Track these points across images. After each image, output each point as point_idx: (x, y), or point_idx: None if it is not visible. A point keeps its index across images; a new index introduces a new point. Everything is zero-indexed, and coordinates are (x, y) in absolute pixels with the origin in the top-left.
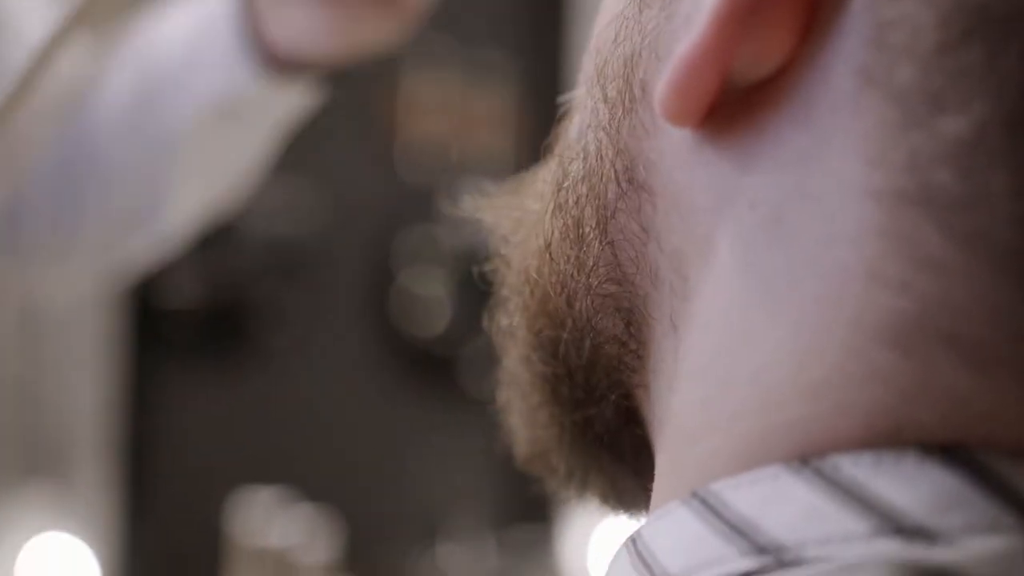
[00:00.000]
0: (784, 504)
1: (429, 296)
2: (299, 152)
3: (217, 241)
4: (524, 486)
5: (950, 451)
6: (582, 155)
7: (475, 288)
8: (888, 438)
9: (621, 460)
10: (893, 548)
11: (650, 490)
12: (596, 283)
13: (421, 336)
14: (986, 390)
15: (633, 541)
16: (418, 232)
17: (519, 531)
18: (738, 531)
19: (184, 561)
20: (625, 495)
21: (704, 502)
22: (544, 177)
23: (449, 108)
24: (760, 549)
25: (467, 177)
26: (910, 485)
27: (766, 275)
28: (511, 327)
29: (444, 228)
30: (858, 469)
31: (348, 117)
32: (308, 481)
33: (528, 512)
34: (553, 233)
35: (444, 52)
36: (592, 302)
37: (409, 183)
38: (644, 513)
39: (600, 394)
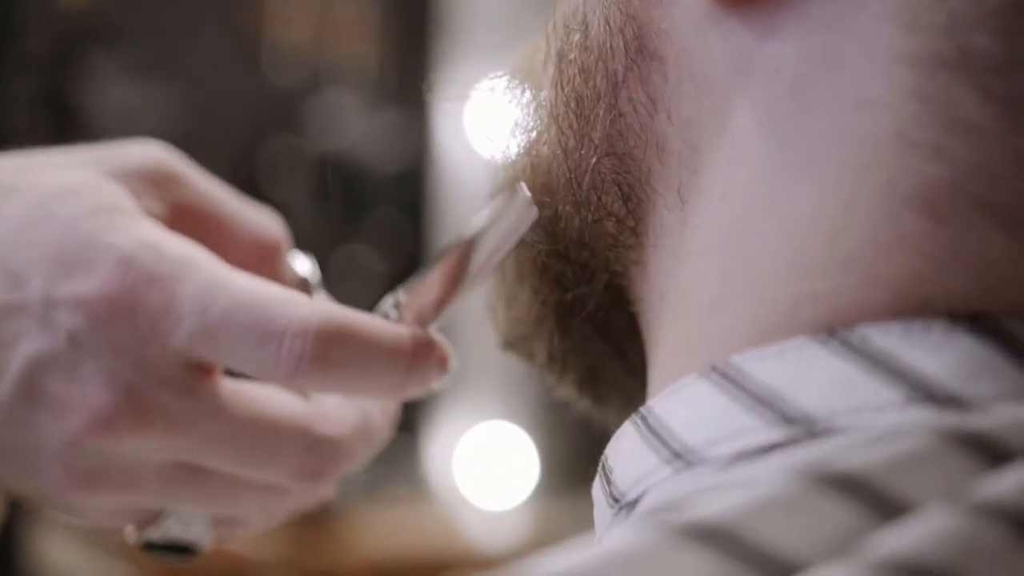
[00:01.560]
0: (812, 375)
1: (292, 205)
2: (160, 55)
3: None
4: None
5: (979, 319)
6: (584, 27)
7: (338, 198)
8: (917, 308)
9: (608, 340)
10: (926, 416)
11: (632, 374)
12: (598, 157)
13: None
14: (1018, 255)
15: (643, 417)
16: (283, 140)
17: (386, 441)
18: (763, 402)
19: None
20: (603, 382)
21: (725, 375)
22: (539, 52)
23: (315, 13)
24: (788, 420)
25: (332, 84)
26: (940, 354)
27: (792, 143)
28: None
29: (309, 135)
30: (887, 339)
31: (212, 20)
32: None
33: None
34: (556, 107)
35: None
36: (593, 177)
37: (274, 89)
38: (616, 405)
39: (592, 272)
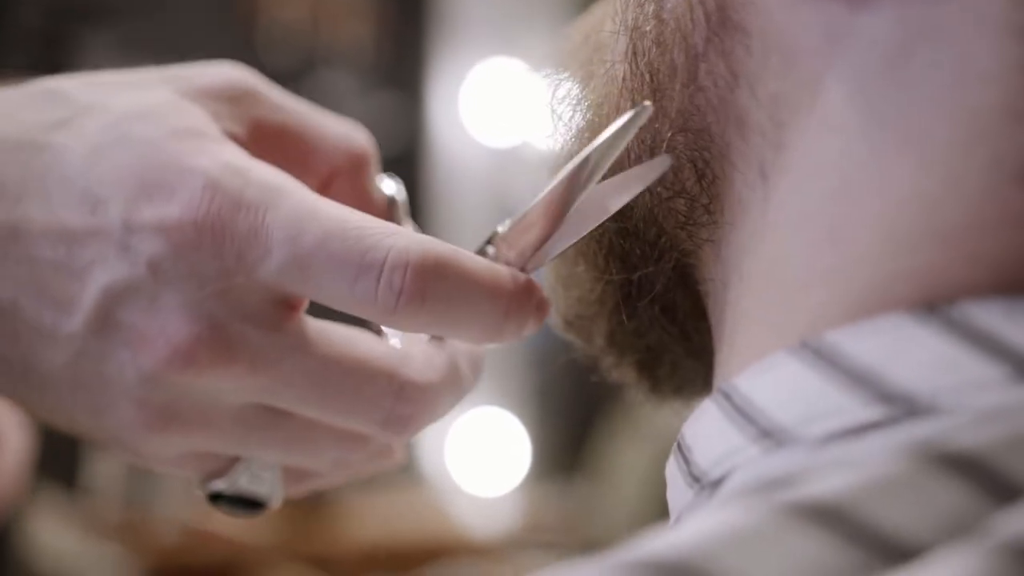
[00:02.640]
0: (911, 353)
1: None
2: (154, 34)
3: None
4: None
5: None
6: None
7: None
8: (1019, 285)
9: (674, 321)
10: None
11: (695, 356)
12: (673, 132)
13: None
14: None
15: (726, 395)
16: None
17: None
18: (859, 380)
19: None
20: (663, 365)
21: (817, 352)
22: (608, 23)
23: None
24: (886, 398)
25: (327, 66)
26: None
27: (890, 117)
28: None
29: None
30: (989, 316)
31: (207, 5)
32: None
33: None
34: (629, 80)
35: None
36: (667, 152)
37: (269, 69)
38: (671, 388)
39: (660, 251)
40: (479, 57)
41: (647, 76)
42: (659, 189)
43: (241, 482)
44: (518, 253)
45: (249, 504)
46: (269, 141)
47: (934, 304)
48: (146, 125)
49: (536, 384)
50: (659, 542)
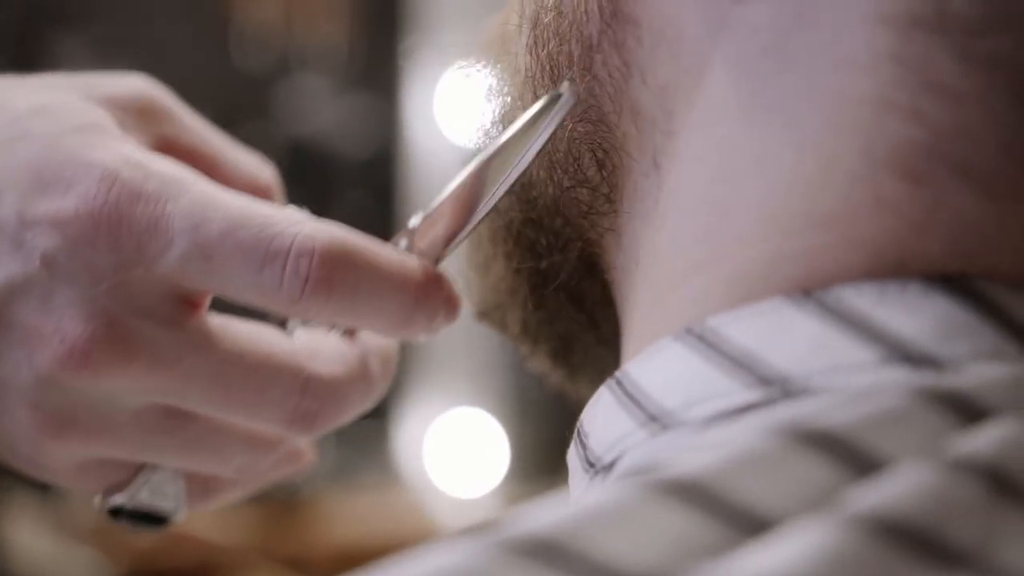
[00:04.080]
0: (787, 336)
1: None
2: (126, 35)
3: None
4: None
5: (954, 281)
6: None
7: (308, 182)
8: (893, 269)
9: (581, 309)
10: (902, 376)
11: (605, 344)
12: (572, 123)
13: None
14: (994, 219)
15: (618, 382)
16: (251, 125)
17: (356, 427)
18: (740, 364)
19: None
20: (576, 352)
21: (701, 337)
22: (513, 16)
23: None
24: (763, 381)
25: (301, 67)
26: (915, 314)
27: (769, 104)
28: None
29: (278, 119)
30: (862, 300)
31: (180, 1)
32: None
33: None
34: (531, 71)
35: None
36: (568, 143)
37: (243, 71)
38: (589, 376)
39: (565, 240)
40: (453, 58)
41: (547, 67)
42: (562, 178)
43: (142, 496)
44: (429, 245)
45: (151, 519)
46: (176, 159)
47: (810, 288)
48: (45, 121)
49: (515, 385)
50: (529, 520)
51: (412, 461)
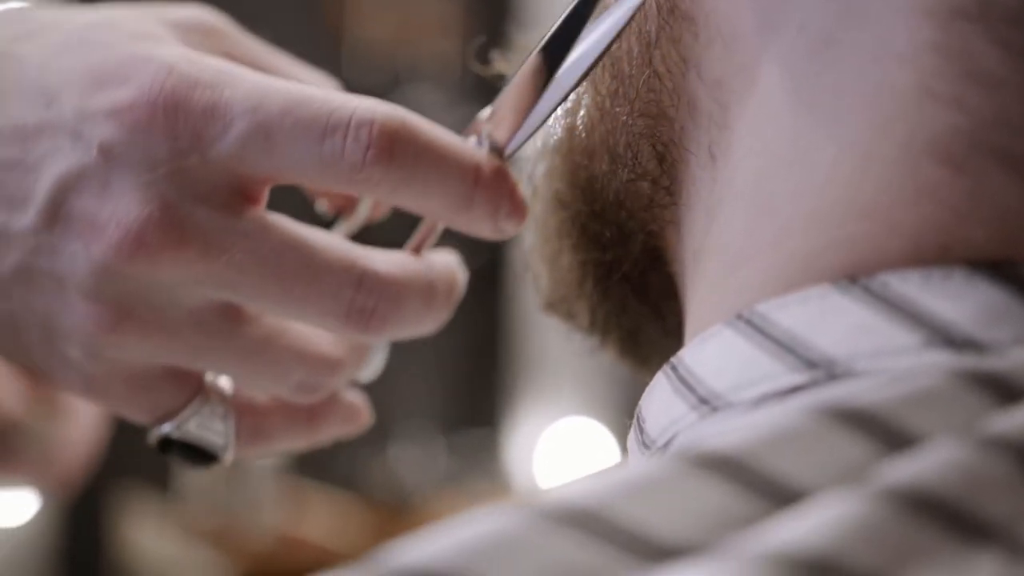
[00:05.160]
0: (833, 321)
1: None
2: None
3: None
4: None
5: (997, 266)
6: None
7: None
8: (936, 256)
9: (646, 301)
10: (944, 359)
11: (671, 336)
12: (634, 116)
13: (381, 243)
14: None
15: (673, 367)
16: None
17: (468, 436)
18: (786, 348)
19: (133, 459)
20: (643, 344)
21: (750, 323)
22: None
23: (397, 11)
24: (809, 364)
25: (414, 82)
26: (958, 300)
27: (815, 97)
28: (545, 171)
29: None
30: (907, 286)
31: (293, 17)
32: None
33: (476, 417)
34: (593, 68)
35: None
36: (628, 136)
37: (355, 86)
38: (658, 367)
39: (629, 233)
40: None
41: (608, 64)
42: (622, 172)
43: (190, 426)
44: (498, 137)
45: (200, 456)
46: None
47: (856, 275)
48: (104, 30)
49: (625, 394)
50: (569, 490)
51: (523, 469)
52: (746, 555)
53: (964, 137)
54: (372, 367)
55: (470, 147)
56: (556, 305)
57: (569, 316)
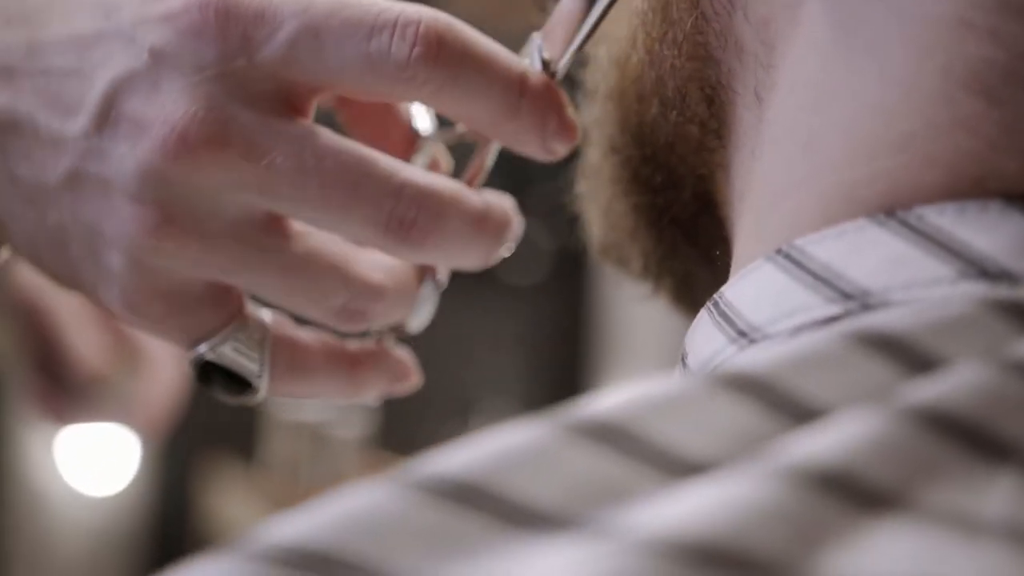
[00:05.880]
0: (869, 253)
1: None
2: None
3: None
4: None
5: None
6: None
7: (510, 177)
8: (973, 188)
9: (695, 245)
10: (977, 289)
11: (723, 281)
12: (683, 60)
13: None
14: None
15: (715, 303)
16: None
17: (550, 412)
18: (822, 280)
19: (219, 430)
20: (696, 289)
21: (788, 256)
22: None
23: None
24: (845, 295)
25: None
26: (994, 232)
27: (856, 30)
28: (598, 117)
29: None
30: (943, 218)
31: None
32: None
33: (559, 394)
34: (645, 11)
35: None
36: (677, 79)
37: None
38: None
39: (680, 177)
40: None
41: (658, 6)
42: (672, 115)
43: (226, 350)
44: (548, 55)
45: (235, 385)
46: None
47: (893, 208)
48: None
49: None
50: (597, 405)
51: None
52: (765, 469)
53: (1000, 69)
54: (421, 314)
55: (519, 62)
56: (609, 250)
57: (622, 262)
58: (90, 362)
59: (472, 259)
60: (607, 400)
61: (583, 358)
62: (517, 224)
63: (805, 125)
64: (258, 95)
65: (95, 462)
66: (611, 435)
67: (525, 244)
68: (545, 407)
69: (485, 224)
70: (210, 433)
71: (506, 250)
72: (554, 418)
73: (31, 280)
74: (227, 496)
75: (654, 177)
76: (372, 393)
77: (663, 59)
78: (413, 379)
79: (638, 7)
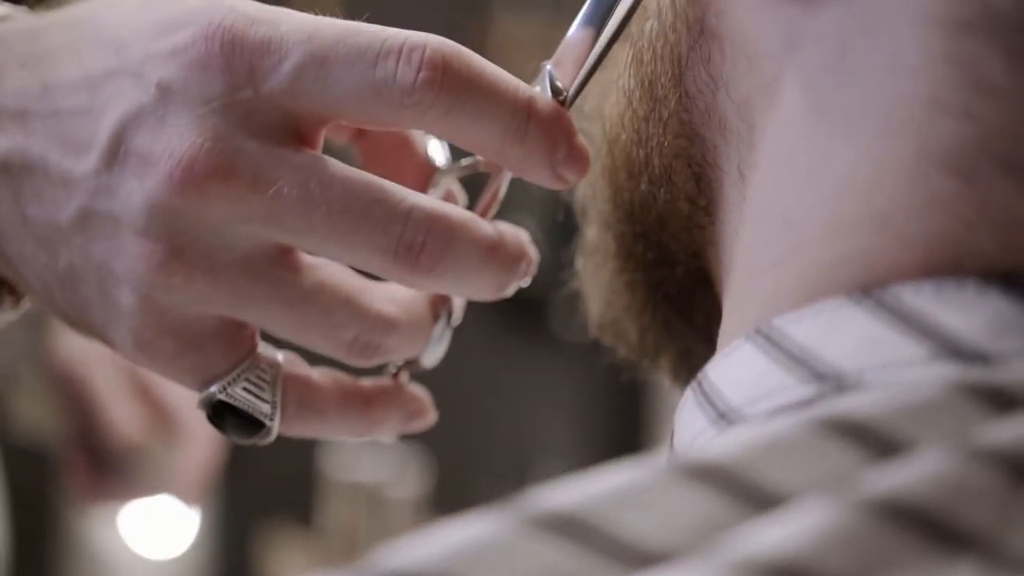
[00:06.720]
0: (844, 333)
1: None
2: None
3: None
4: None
5: (1009, 277)
6: (656, 12)
7: (565, 231)
8: (949, 267)
9: (690, 322)
10: (950, 371)
11: None
12: (670, 137)
13: None
14: None
15: (699, 382)
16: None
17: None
18: (799, 361)
19: (277, 493)
20: (696, 366)
21: (767, 336)
22: (619, 47)
23: (539, 47)
24: (820, 376)
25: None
26: (969, 312)
27: (832, 109)
28: (592, 193)
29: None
30: (919, 298)
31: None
32: None
33: (617, 456)
34: (632, 89)
35: None
36: (666, 158)
37: None
38: None
39: (672, 254)
40: None
41: (645, 84)
42: (661, 192)
43: (237, 390)
44: (559, 84)
45: (247, 426)
46: None
47: (870, 287)
48: None
49: None
50: (556, 496)
51: None
52: (719, 562)
53: (973, 148)
54: (436, 349)
55: (524, 87)
56: (606, 327)
57: (619, 338)
58: (128, 432)
59: (485, 289)
60: (566, 489)
61: (640, 416)
62: (532, 256)
63: (784, 203)
64: (265, 125)
65: (155, 526)
66: (569, 527)
67: (584, 302)
68: (602, 466)
69: (497, 253)
70: (268, 496)
71: (522, 282)
72: (514, 509)
73: (69, 352)
74: (285, 558)
75: (646, 254)
76: (387, 432)
77: (650, 137)
78: (429, 417)
79: (625, 85)
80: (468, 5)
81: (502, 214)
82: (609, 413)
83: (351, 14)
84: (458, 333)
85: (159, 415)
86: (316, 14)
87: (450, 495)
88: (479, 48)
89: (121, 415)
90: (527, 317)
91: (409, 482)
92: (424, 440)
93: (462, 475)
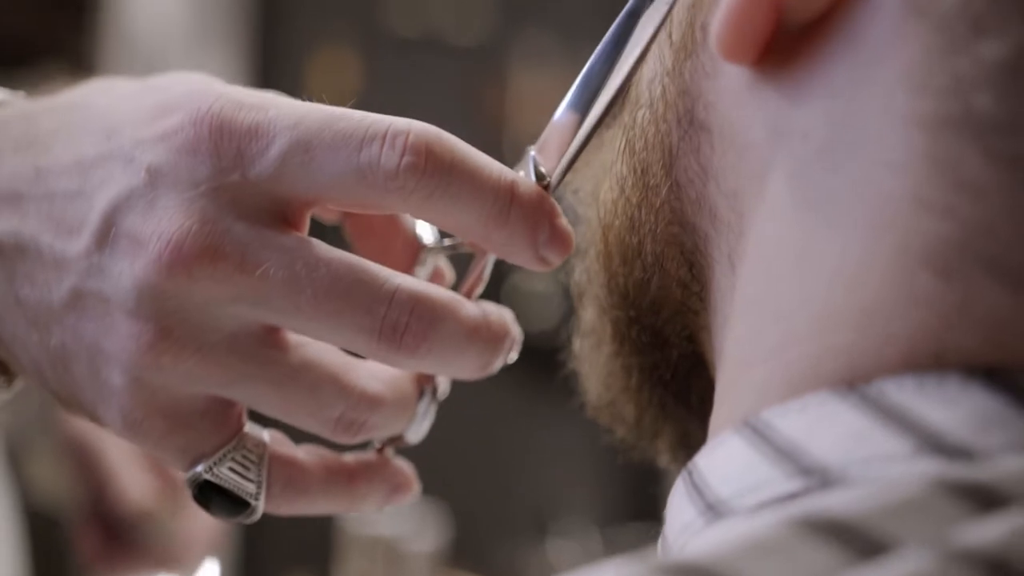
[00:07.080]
0: (830, 428)
1: (539, 293)
2: None
3: None
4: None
5: (992, 372)
6: (649, 102)
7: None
8: (932, 362)
9: (687, 405)
10: (933, 466)
11: None
12: (662, 225)
13: (531, 332)
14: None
15: (689, 472)
16: None
17: (627, 529)
18: (785, 454)
19: (296, 548)
20: (694, 447)
21: (755, 429)
22: (614, 134)
23: (555, 102)
24: (805, 471)
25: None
26: (952, 407)
27: (817, 203)
28: (588, 277)
29: None
30: (902, 393)
31: (456, 110)
32: (417, 474)
33: (635, 511)
34: (625, 176)
35: (551, 49)
36: (659, 244)
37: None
38: None
39: (666, 338)
40: None
41: (638, 172)
42: (655, 277)
43: (224, 469)
44: (543, 168)
45: (232, 505)
46: None
47: (855, 382)
48: (168, 81)
49: None
50: None
51: None
52: None
53: (954, 246)
54: (421, 425)
55: (508, 172)
56: (603, 409)
57: (616, 420)
58: (138, 501)
59: (468, 368)
60: None
61: (658, 474)
62: (516, 335)
63: (773, 295)
64: (252, 208)
65: None
66: None
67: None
68: (621, 525)
69: (480, 332)
70: (287, 549)
71: (507, 360)
72: None
73: (82, 421)
74: None
75: (641, 338)
76: (370, 506)
77: (643, 223)
78: (413, 489)
79: (619, 172)
80: (484, 66)
81: (519, 270)
82: (627, 470)
83: (370, 75)
84: (477, 390)
85: (168, 485)
86: (333, 76)
87: (468, 550)
88: (498, 106)
89: (132, 484)
90: (546, 372)
91: (427, 537)
92: (443, 495)
93: (480, 530)
